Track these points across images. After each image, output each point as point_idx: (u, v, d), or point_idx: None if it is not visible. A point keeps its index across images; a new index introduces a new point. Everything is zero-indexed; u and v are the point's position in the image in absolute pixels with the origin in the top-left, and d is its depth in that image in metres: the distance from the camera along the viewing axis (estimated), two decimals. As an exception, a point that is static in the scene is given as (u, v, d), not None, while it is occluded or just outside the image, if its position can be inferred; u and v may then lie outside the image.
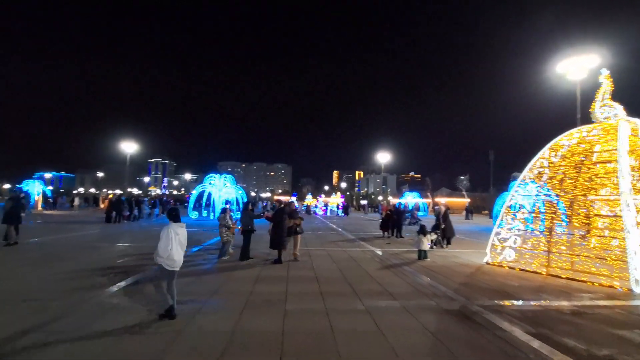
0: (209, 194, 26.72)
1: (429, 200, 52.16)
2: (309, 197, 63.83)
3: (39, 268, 8.48)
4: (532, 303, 6.49)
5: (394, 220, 17.56)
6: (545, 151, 10.32)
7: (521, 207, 10.47)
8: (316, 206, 50.58)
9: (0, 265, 8.89)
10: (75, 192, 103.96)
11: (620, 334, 5.00)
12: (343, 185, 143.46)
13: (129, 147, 44.06)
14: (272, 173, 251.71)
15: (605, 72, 9.88)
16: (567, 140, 10.07)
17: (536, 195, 10.23)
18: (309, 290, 7.00)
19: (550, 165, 10.14)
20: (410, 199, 46.60)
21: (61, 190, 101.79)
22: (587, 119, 10.55)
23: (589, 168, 9.51)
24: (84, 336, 4.46)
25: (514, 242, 10.08)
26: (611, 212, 8.93)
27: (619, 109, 9.56)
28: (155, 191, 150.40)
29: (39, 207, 33.73)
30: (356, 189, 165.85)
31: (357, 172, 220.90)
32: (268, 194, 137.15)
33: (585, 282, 8.10)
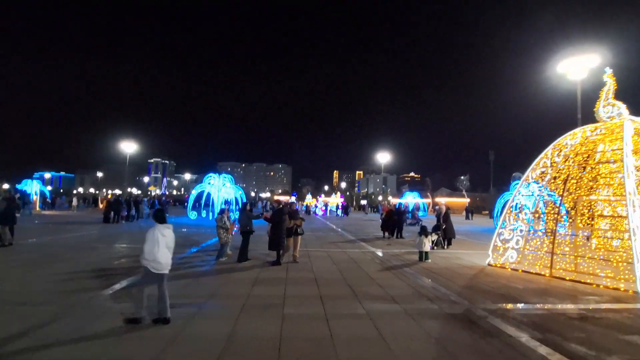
0: (208, 194, 26.52)
1: (429, 200, 52.10)
2: (308, 197, 63.81)
3: (35, 269, 8.33)
4: (538, 306, 6.34)
5: (394, 221, 17.41)
6: (548, 151, 10.17)
7: (522, 207, 10.33)
8: (316, 206, 50.47)
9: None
10: (74, 192, 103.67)
11: (629, 340, 4.85)
12: (343, 185, 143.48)
13: (128, 147, 44.01)
14: (271, 173, 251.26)
15: (609, 71, 9.72)
16: (570, 139, 9.91)
17: (538, 195, 10.08)
18: (308, 293, 6.84)
19: (554, 165, 9.99)
20: (411, 199, 46.43)
21: (60, 190, 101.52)
22: (587, 119, 10.41)
23: (592, 168, 9.36)
24: (82, 338, 4.37)
25: (517, 243, 9.93)
26: (614, 213, 8.81)
27: (622, 108, 9.42)
28: (155, 191, 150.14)
29: (37, 208, 33.56)
30: (356, 189, 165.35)
31: (357, 172, 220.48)
32: (268, 194, 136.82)
33: (590, 284, 7.93)
